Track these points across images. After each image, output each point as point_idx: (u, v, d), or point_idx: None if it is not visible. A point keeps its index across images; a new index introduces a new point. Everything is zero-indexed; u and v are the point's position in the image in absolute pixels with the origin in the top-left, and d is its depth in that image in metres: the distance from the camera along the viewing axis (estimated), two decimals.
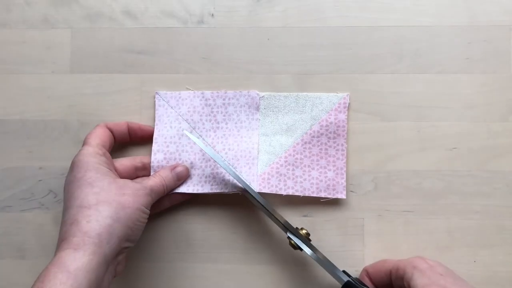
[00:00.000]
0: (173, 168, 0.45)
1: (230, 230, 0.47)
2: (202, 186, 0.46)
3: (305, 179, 0.47)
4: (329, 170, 0.47)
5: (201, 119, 0.47)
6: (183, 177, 0.46)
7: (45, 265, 0.47)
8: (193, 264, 0.47)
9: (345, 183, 0.46)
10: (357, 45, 0.48)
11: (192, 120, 0.47)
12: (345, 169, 0.47)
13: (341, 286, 0.42)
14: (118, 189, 0.40)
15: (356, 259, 0.47)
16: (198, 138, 0.47)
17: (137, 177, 0.46)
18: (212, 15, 0.49)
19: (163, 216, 0.48)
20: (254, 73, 0.48)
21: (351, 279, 0.42)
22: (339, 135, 0.47)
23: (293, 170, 0.47)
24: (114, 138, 0.46)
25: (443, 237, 0.46)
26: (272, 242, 0.47)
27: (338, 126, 0.47)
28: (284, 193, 0.47)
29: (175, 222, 0.48)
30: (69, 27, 0.49)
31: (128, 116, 0.48)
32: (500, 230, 0.46)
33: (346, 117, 0.47)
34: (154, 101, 0.48)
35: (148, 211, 0.41)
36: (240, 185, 0.45)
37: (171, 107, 0.48)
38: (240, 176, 0.45)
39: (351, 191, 0.47)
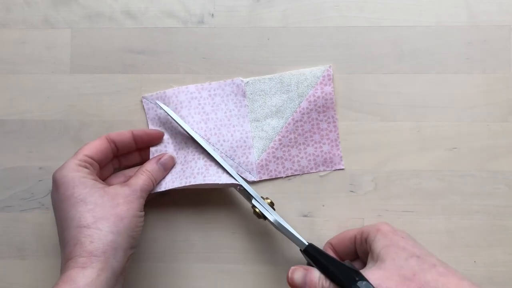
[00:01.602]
0: (159, 159, 0.45)
1: (230, 230, 0.47)
2: (194, 178, 0.45)
3: (302, 157, 0.47)
4: (324, 143, 0.47)
5: (189, 113, 0.47)
6: (170, 166, 0.46)
7: (45, 265, 0.47)
8: (193, 264, 0.47)
9: (341, 154, 0.47)
10: (357, 45, 0.48)
11: (181, 115, 0.47)
12: (339, 140, 0.47)
13: (302, 251, 0.41)
14: (111, 200, 0.40)
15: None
16: (195, 133, 0.47)
17: (114, 156, 0.45)
18: (212, 15, 0.49)
19: (163, 216, 0.48)
20: (254, 73, 0.48)
21: (312, 245, 0.41)
22: (328, 107, 0.47)
23: (288, 150, 0.47)
24: (117, 148, 0.45)
25: (443, 237, 0.46)
26: (272, 242, 0.47)
27: (326, 99, 0.47)
28: (284, 175, 0.47)
29: (175, 222, 0.48)
30: (69, 27, 0.49)
31: (128, 116, 0.48)
32: (500, 230, 0.46)
33: (332, 89, 0.47)
34: (142, 106, 0.48)
35: (143, 213, 0.42)
36: (233, 178, 0.44)
37: (160, 108, 0.47)
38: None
39: (351, 191, 0.47)
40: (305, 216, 0.47)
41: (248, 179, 0.47)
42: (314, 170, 0.47)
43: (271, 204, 0.44)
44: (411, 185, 0.47)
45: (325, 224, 0.47)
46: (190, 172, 0.45)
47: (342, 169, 0.47)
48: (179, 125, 0.46)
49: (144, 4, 0.49)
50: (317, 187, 0.47)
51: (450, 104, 0.47)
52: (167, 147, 0.47)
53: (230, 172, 0.44)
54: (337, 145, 0.47)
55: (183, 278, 0.47)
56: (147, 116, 0.47)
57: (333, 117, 0.47)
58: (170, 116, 0.46)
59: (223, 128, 0.47)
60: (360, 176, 0.47)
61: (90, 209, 0.39)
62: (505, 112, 0.47)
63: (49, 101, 0.49)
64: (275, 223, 0.42)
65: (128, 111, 0.48)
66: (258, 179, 0.47)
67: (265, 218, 0.43)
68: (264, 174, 0.47)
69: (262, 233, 0.47)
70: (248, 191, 0.44)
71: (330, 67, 0.47)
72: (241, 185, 0.44)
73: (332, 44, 0.48)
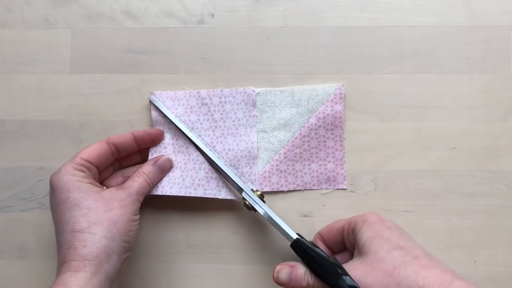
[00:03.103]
0: (156, 161, 0.45)
1: (230, 230, 0.47)
2: (195, 189, 0.46)
3: (305, 173, 0.47)
4: (329, 161, 0.47)
5: (198, 119, 0.47)
6: (167, 168, 0.46)
7: (45, 265, 0.47)
8: (193, 264, 0.47)
9: (345, 174, 0.47)
10: (357, 45, 0.48)
11: (190, 120, 0.47)
12: (344, 159, 0.47)
13: (290, 244, 0.41)
14: (105, 205, 0.40)
15: None
16: (197, 138, 0.47)
17: (115, 159, 0.45)
18: (212, 15, 0.49)
19: (163, 216, 0.48)
20: (254, 73, 0.48)
21: (301, 237, 0.41)
22: (336, 126, 0.47)
23: (293, 165, 0.47)
24: (118, 151, 0.45)
25: (443, 237, 0.46)
26: (272, 242, 0.47)
27: (335, 117, 0.47)
28: (285, 189, 0.47)
29: (175, 222, 0.48)
30: (69, 27, 0.49)
31: (128, 116, 0.48)
32: (500, 230, 0.46)
33: (343, 107, 0.47)
34: (149, 101, 0.48)
35: (138, 216, 0.42)
36: (234, 194, 0.45)
37: (167, 108, 0.47)
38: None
39: (351, 191, 0.47)
40: (305, 216, 0.47)
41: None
42: (316, 187, 0.47)
43: (261, 197, 0.44)
44: (411, 185, 0.47)
45: (325, 224, 0.47)
46: (190, 182, 0.46)
47: (345, 189, 0.47)
48: (183, 132, 0.46)
49: (144, 4, 0.49)
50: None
51: (450, 104, 0.47)
52: (167, 148, 0.47)
53: (221, 166, 0.45)
54: (341, 165, 0.47)
55: (183, 278, 0.47)
56: (152, 113, 0.47)
57: (340, 136, 0.47)
58: (174, 123, 0.47)
59: (230, 137, 0.47)
60: (360, 176, 0.47)
61: (84, 213, 0.39)
62: (505, 112, 0.47)
63: (49, 101, 0.49)
64: (264, 216, 0.43)
65: (128, 111, 0.48)
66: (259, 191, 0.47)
67: (255, 210, 0.43)
68: (266, 186, 0.47)
69: (262, 233, 0.47)
70: (238, 183, 0.44)
71: (342, 85, 0.47)
72: (237, 201, 0.45)
73: (332, 44, 0.48)
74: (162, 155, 0.46)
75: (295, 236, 0.41)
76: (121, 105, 0.48)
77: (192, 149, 0.47)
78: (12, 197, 0.48)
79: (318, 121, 0.47)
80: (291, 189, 0.47)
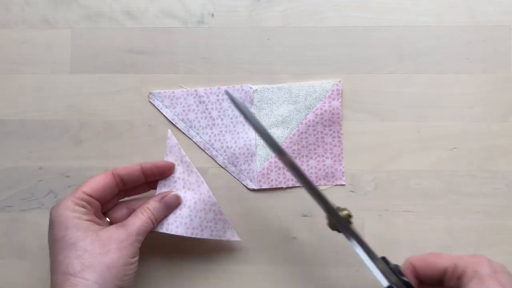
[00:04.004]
0: (162, 197, 0.43)
1: None
2: (202, 230, 0.44)
3: (304, 170, 0.47)
4: (327, 158, 0.47)
5: (196, 117, 0.47)
6: (174, 206, 0.44)
7: (45, 265, 0.47)
8: (193, 264, 0.47)
9: (343, 170, 0.47)
10: (357, 45, 0.48)
11: (188, 119, 0.47)
12: (342, 155, 0.47)
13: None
14: (102, 247, 0.39)
15: (356, 259, 0.46)
16: (195, 136, 0.47)
17: (120, 191, 0.44)
18: (212, 15, 0.49)
19: None
20: (254, 73, 0.48)
21: (386, 261, 0.38)
22: (334, 122, 0.47)
23: None
24: (124, 183, 0.43)
25: (443, 237, 0.46)
26: (272, 242, 0.47)
27: (333, 114, 0.47)
28: (284, 185, 0.47)
29: None
30: (69, 27, 0.49)
31: (128, 116, 0.48)
32: (500, 230, 0.46)
33: (340, 103, 0.47)
34: (150, 101, 0.48)
35: (136, 258, 0.40)
36: (236, 234, 0.45)
37: (166, 107, 0.47)
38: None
39: (351, 191, 0.47)
40: (305, 216, 0.47)
41: (248, 187, 0.47)
42: (314, 183, 0.47)
43: (348, 217, 0.39)
44: (411, 185, 0.47)
45: (324, 224, 0.47)
46: (198, 223, 0.44)
47: (343, 184, 0.47)
48: (191, 168, 0.44)
49: (144, 4, 0.49)
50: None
51: (450, 104, 0.47)
52: (177, 183, 0.44)
53: (310, 181, 0.40)
54: (340, 160, 0.47)
55: (183, 278, 0.47)
56: (167, 142, 0.45)
57: (338, 131, 0.47)
58: (173, 123, 0.46)
59: (228, 135, 0.47)
60: (360, 176, 0.47)
61: (79, 255, 0.38)
62: (505, 112, 0.47)
63: (49, 101, 0.49)
64: (354, 246, 0.39)
65: (128, 111, 0.48)
66: (258, 187, 0.47)
67: (339, 231, 0.39)
68: (264, 183, 0.47)
69: (263, 233, 0.47)
70: (327, 201, 0.39)
71: (340, 81, 0.47)
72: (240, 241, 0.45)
73: (332, 44, 0.48)
74: (170, 191, 0.44)
75: (385, 284, 0.37)
76: (121, 105, 0.48)
77: (204, 189, 0.44)
78: (12, 197, 0.48)
79: (316, 118, 0.47)
80: (290, 185, 0.47)
